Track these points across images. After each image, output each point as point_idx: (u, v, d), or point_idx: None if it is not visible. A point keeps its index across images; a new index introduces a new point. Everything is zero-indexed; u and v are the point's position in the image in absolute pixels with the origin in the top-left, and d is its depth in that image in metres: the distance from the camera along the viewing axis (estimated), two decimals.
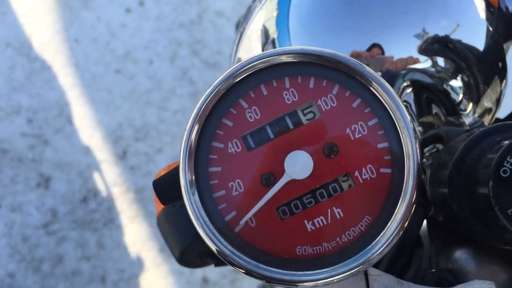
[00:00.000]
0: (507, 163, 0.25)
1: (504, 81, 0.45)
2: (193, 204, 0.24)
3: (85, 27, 1.86)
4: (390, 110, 0.24)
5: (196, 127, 0.24)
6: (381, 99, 0.24)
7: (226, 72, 0.24)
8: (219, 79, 0.24)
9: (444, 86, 0.42)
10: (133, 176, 1.70)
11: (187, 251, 0.45)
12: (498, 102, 0.45)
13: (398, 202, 0.23)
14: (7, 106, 1.71)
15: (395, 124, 0.24)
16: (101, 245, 1.56)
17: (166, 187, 0.26)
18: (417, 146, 0.23)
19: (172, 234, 0.45)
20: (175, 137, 1.77)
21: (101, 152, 1.71)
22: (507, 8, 0.44)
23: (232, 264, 0.24)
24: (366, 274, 0.26)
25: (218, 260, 0.47)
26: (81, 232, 1.57)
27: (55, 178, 1.63)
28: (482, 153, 0.27)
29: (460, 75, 0.42)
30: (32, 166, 1.63)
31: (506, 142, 0.26)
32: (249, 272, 0.24)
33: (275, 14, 0.43)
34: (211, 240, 0.24)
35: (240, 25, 0.47)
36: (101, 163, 1.69)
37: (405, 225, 0.23)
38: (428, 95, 0.42)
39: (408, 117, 0.24)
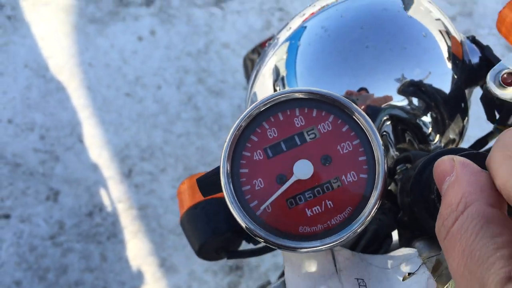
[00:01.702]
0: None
1: (466, 118, 0.56)
2: (229, 194, 0.34)
3: (99, 53, 1.98)
4: (368, 134, 0.34)
5: (234, 139, 0.34)
6: (362, 126, 0.35)
7: (257, 102, 0.34)
8: (252, 106, 0.34)
9: (417, 120, 0.53)
10: (137, 194, 1.79)
11: (205, 245, 0.54)
12: (461, 134, 0.56)
13: (370, 197, 0.34)
14: (22, 123, 1.81)
15: (371, 144, 0.35)
16: (104, 258, 1.64)
17: (208, 183, 0.36)
18: (385, 160, 0.34)
19: (192, 231, 0.55)
20: (178, 159, 1.87)
21: (108, 170, 1.80)
22: (469, 60, 0.56)
23: (255, 236, 0.34)
24: (332, 250, 0.36)
25: (230, 254, 0.57)
26: (86, 245, 1.65)
27: (64, 193, 1.72)
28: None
29: (429, 112, 0.53)
30: (43, 180, 1.72)
31: None
32: (266, 241, 0.34)
33: (284, 57, 0.54)
34: (241, 219, 0.34)
35: (256, 65, 0.58)
36: (108, 180, 1.78)
37: (373, 213, 0.33)
38: (404, 127, 0.52)
39: (380, 140, 0.34)
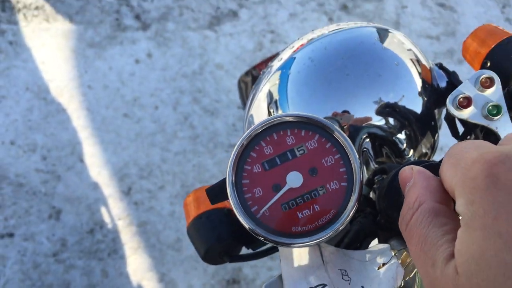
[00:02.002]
0: None
1: (436, 134, 0.64)
2: (234, 201, 0.41)
3: (97, 75, 2.06)
4: (346, 149, 0.42)
5: (238, 155, 0.42)
6: (341, 143, 0.42)
7: (256, 125, 0.42)
8: (251, 128, 0.42)
9: (393, 137, 0.61)
10: (136, 211, 1.85)
11: (209, 250, 0.61)
12: (432, 148, 0.64)
13: (349, 201, 0.41)
14: (24, 144, 1.88)
15: (349, 158, 0.42)
16: (105, 274, 1.70)
17: (216, 192, 0.43)
18: (360, 170, 0.41)
19: (198, 238, 0.62)
20: (176, 176, 1.94)
21: (108, 188, 1.86)
22: (438, 84, 0.64)
23: (256, 235, 0.41)
24: (319, 246, 0.44)
25: (232, 258, 0.64)
26: (87, 261, 1.71)
27: (66, 211, 1.78)
28: None
29: (403, 130, 0.61)
30: (45, 200, 1.78)
31: None
32: (266, 239, 0.41)
33: (277, 84, 0.62)
34: (245, 221, 0.41)
35: (252, 90, 0.66)
36: (108, 198, 1.84)
37: (352, 214, 0.40)
38: (382, 143, 0.60)
39: (356, 154, 0.42)
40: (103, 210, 1.82)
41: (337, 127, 0.42)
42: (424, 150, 0.63)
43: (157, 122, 2.02)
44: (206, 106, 2.08)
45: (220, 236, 0.61)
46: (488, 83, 0.49)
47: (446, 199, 0.33)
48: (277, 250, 0.53)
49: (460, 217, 0.29)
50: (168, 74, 2.11)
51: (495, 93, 0.49)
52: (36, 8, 2.13)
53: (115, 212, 1.83)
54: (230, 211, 0.63)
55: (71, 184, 1.83)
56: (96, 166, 1.89)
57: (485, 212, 0.27)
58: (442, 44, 2.46)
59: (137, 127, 2.00)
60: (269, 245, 0.64)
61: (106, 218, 1.80)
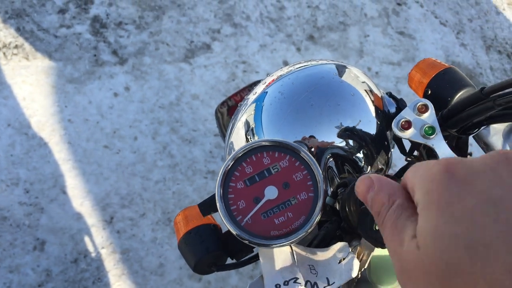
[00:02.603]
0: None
1: (389, 153, 0.75)
2: (222, 212, 0.51)
3: (77, 109, 2.13)
4: (312, 166, 0.52)
5: (224, 174, 0.52)
6: (307, 162, 0.53)
7: (238, 150, 0.52)
8: (234, 152, 0.52)
9: (353, 156, 0.71)
10: (119, 239, 1.91)
11: (199, 262, 0.70)
12: (387, 164, 0.75)
13: (316, 207, 0.51)
14: (6, 179, 1.92)
15: (314, 173, 0.53)
16: None
17: (207, 205, 0.52)
18: (323, 183, 0.51)
19: (188, 251, 0.70)
20: (157, 203, 2.01)
21: (91, 218, 1.92)
22: (388, 110, 0.75)
23: (242, 239, 0.50)
24: (291, 247, 0.53)
25: (219, 267, 0.73)
26: None
27: (50, 242, 1.82)
28: None
29: (361, 150, 0.71)
30: (29, 231, 1.82)
31: None
32: (250, 242, 0.50)
33: (253, 114, 0.72)
34: (232, 228, 0.50)
35: (231, 120, 0.76)
36: (91, 227, 1.90)
37: (318, 219, 0.50)
38: (343, 162, 0.71)
39: (320, 170, 0.52)
40: (87, 239, 1.87)
41: (304, 149, 0.52)
42: (380, 166, 0.73)
43: (136, 152, 2.10)
44: (184, 135, 2.17)
45: (208, 248, 0.69)
46: (424, 109, 0.61)
47: (409, 197, 0.39)
48: (258, 259, 0.63)
49: (418, 205, 0.36)
50: (146, 106, 2.20)
51: (429, 116, 0.61)
52: (16, 46, 2.20)
53: (98, 241, 1.88)
54: (216, 226, 0.72)
55: (54, 215, 1.88)
56: (79, 197, 1.95)
57: (439, 197, 0.33)
58: (403, 69, 2.63)
59: (118, 158, 2.07)
60: (251, 254, 0.73)
61: (90, 247, 1.85)
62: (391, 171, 0.77)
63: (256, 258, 0.74)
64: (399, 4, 2.87)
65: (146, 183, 2.04)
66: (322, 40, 2.59)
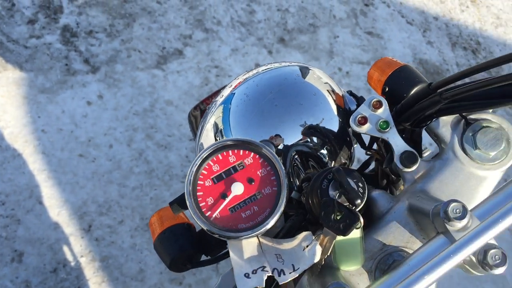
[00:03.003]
0: (324, 184, 0.57)
1: (352, 148, 0.79)
2: (192, 208, 0.54)
3: (51, 119, 2.13)
4: (274, 162, 0.56)
5: (192, 174, 0.54)
6: (270, 158, 0.56)
7: (204, 149, 0.55)
8: (202, 152, 0.55)
9: (317, 153, 0.75)
10: (98, 247, 1.91)
11: (174, 260, 0.73)
12: (350, 159, 0.79)
13: (279, 201, 0.55)
14: None
15: (277, 169, 0.56)
16: None
17: (178, 203, 0.55)
18: (285, 178, 0.55)
19: (164, 250, 0.73)
20: (135, 210, 2.02)
21: (68, 227, 1.92)
22: (349, 108, 0.79)
23: (212, 233, 0.53)
24: (258, 238, 0.57)
25: (193, 264, 0.75)
26: None
27: (28, 253, 1.81)
28: (321, 181, 0.59)
29: (325, 146, 0.75)
30: (6, 244, 1.81)
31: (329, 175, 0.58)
32: (220, 235, 0.53)
33: (221, 116, 0.75)
34: (202, 224, 0.53)
35: (201, 122, 0.79)
36: (69, 236, 1.90)
37: (282, 211, 0.54)
38: (308, 158, 0.74)
39: (282, 166, 0.55)
40: (65, 248, 1.86)
41: (266, 146, 0.56)
42: (343, 161, 0.77)
43: (112, 160, 2.10)
44: (159, 141, 2.19)
45: (182, 247, 0.72)
46: (378, 105, 0.65)
47: None
48: (228, 256, 0.66)
49: None
50: (120, 113, 2.21)
51: (384, 112, 0.65)
52: None
53: (77, 249, 1.88)
54: (190, 225, 0.75)
55: (31, 226, 1.87)
56: (55, 207, 1.94)
57: None
58: None
59: (93, 166, 2.07)
60: (224, 251, 0.76)
61: (69, 256, 1.85)
62: (355, 165, 0.81)
63: (228, 254, 0.77)
64: (366, 5, 2.94)
65: (123, 190, 2.05)
66: (292, 43, 2.64)
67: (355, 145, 0.80)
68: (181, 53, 2.42)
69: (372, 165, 0.83)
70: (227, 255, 0.77)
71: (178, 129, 2.24)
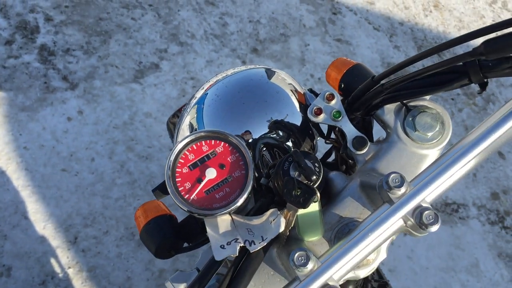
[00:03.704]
0: (285, 165, 0.65)
1: (314, 140, 0.88)
2: (173, 192, 0.62)
3: (32, 136, 2.18)
4: (242, 150, 0.65)
5: (171, 162, 0.63)
6: (238, 146, 0.65)
7: (182, 140, 0.63)
8: (178, 143, 0.63)
9: (283, 145, 0.84)
10: (84, 258, 1.96)
11: (159, 247, 0.80)
12: (313, 150, 0.88)
13: (247, 182, 0.63)
14: None
15: (244, 155, 0.65)
16: None
17: (159, 189, 0.63)
18: (252, 162, 0.63)
19: (149, 240, 0.80)
20: (119, 220, 2.07)
21: (55, 240, 1.97)
22: (310, 104, 0.89)
23: (191, 212, 0.61)
24: (231, 216, 0.65)
25: (177, 251, 0.83)
26: None
27: (16, 267, 1.85)
28: (283, 164, 0.67)
29: (290, 138, 0.85)
30: None
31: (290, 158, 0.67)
32: (199, 214, 0.61)
33: (195, 116, 0.84)
34: (181, 205, 0.61)
35: (177, 123, 0.87)
36: (56, 249, 1.94)
37: (250, 190, 0.62)
38: (275, 149, 0.83)
39: (248, 151, 0.64)
40: (53, 261, 1.91)
41: (234, 135, 0.64)
42: (307, 150, 0.86)
43: (94, 172, 2.16)
44: (140, 153, 2.26)
45: (166, 235, 0.80)
46: (331, 97, 0.74)
47: None
48: (208, 242, 0.74)
49: None
50: (100, 128, 2.27)
51: (336, 103, 0.74)
52: None
53: (64, 261, 1.93)
54: (172, 217, 0.83)
55: (18, 241, 1.91)
56: (41, 221, 1.99)
57: None
58: None
59: (76, 180, 2.13)
60: (203, 239, 0.83)
61: (57, 268, 1.90)
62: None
63: (207, 240, 0.85)
64: (334, 14, 3.07)
65: (107, 201, 2.11)
66: (265, 52, 2.74)
67: (317, 138, 0.90)
68: (157, 67, 2.50)
69: (333, 156, 0.93)
70: (206, 241, 0.85)
71: (158, 140, 2.32)
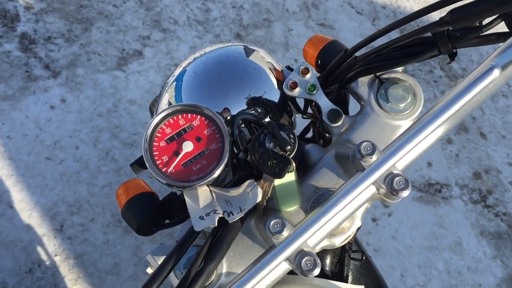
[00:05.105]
0: (261, 137, 0.66)
1: (292, 115, 0.89)
2: (151, 166, 0.63)
3: (15, 125, 2.16)
4: (218, 123, 0.66)
5: (147, 136, 0.64)
6: (214, 119, 0.66)
7: (157, 113, 0.64)
8: (154, 117, 0.64)
9: (262, 121, 0.86)
10: (71, 245, 1.96)
11: (140, 224, 0.81)
12: (291, 126, 0.89)
13: (223, 153, 0.64)
14: None
15: (220, 128, 0.66)
16: None
17: (138, 164, 0.64)
18: (228, 135, 0.64)
19: (130, 217, 0.81)
20: (105, 207, 2.08)
21: (41, 228, 1.96)
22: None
23: (169, 185, 0.62)
24: (209, 188, 0.66)
25: (159, 227, 0.84)
26: None
27: (2, 256, 1.85)
28: (259, 136, 0.69)
29: (268, 115, 0.86)
30: None
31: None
32: (177, 186, 0.62)
33: (173, 94, 0.84)
34: (160, 178, 0.62)
35: (157, 101, 0.88)
36: (42, 237, 1.94)
37: (226, 162, 0.63)
38: (254, 125, 0.85)
39: (224, 125, 0.65)
40: (39, 249, 1.91)
41: (209, 108, 0.65)
42: None
43: (79, 160, 2.16)
44: (125, 140, 2.25)
45: (147, 211, 0.81)
46: (306, 71, 0.75)
47: None
48: (188, 217, 0.75)
49: None
50: (84, 115, 2.26)
51: (311, 77, 0.75)
52: None
53: (51, 249, 1.93)
54: (153, 194, 0.84)
55: (3, 230, 1.91)
56: (26, 210, 1.99)
57: None
58: None
59: (61, 168, 2.12)
60: (184, 215, 0.84)
61: (43, 256, 1.90)
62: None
63: (188, 216, 0.86)
64: None
65: (93, 189, 2.11)
66: (249, 38, 2.74)
67: (296, 115, 0.91)
68: (140, 54, 2.49)
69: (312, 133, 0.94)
70: (187, 218, 0.86)
71: (143, 127, 2.31)
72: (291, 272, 0.61)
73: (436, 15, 0.69)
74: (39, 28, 2.42)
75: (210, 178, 0.63)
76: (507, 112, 2.75)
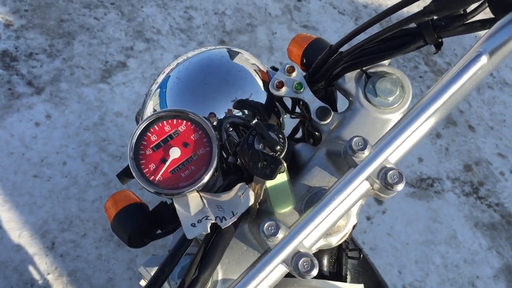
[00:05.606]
0: (249, 139, 0.65)
1: (281, 117, 0.88)
2: (137, 175, 0.61)
3: (0, 144, 2.13)
4: (204, 127, 0.64)
5: (133, 146, 0.62)
6: (200, 123, 0.64)
7: (142, 121, 0.62)
8: (139, 124, 0.62)
9: (250, 123, 0.84)
10: (63, 262, 1.93)
11: (131, 236, 0.79)
12: (280, 126, 0.88)
13: (212, 159, 0.63)
14: None
15: (207, 131, 0.64)
16: None
17: (124, 174, 0.62)
18: (216, 139, 0.63)
19: (120, 229, 0.79)
20: (96, 222, 2.04)
21: (31, 247, 1.93)
22: None
23: (158, 193, 0.60)
24: (200, 194, 0.65)
25: (150, 238, 0.82)
26: None
27: None
28: (247, 138, 0.67)
29: (256, 117, 0.84)
30: None
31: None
32: (166, 194, 0.60)
33: (158, 101, 0.83)
34: (147, 187, 0.60)
35: (142, 109, 0.86)
36: (33, 256, 1.91)
37: (215, 167, 0.62)
38: (242, 128, 0.83)
39: (212, 129, 0.63)
40: (31, 268, 1.87)
41: (194, 112, 0.64)
42: None
43: (68, 176, 2.12)
44: (113, 153, 2.22)
45: (137, 223, 0.79)
46: (291, 70, 0.74)
47: None
48: (180, 226, 0.73)
49: None
50: (70, 130, 2.23)
51: (297, 75, 0.74)
52: None
53: (43, 267, 1.89)
54: (142, 204, 0.82)
55: None
56: (16, 229, 1.95)
57: None
58: None
59: (49, 185, 2.09)
60: (176, 224, 0.83)
61: (36, 276, 1.86)
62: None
63: (180, 224, 0.84)
64: (299, 0, 3.07)
65: (83, 204, 2.07)
66: (233, 43, 2.73)
67: (284, 116, 0.90)
68: (124, 65, 2.46)
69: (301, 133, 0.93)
70: (178, 226, 0.84)
71: None
72: (289, 275, 0.59)
73: (417, 7, 0.68)
74: (20, 44, 2.39)
75: (199, 184, 0.61)
76: (494, 104, 2.77)
